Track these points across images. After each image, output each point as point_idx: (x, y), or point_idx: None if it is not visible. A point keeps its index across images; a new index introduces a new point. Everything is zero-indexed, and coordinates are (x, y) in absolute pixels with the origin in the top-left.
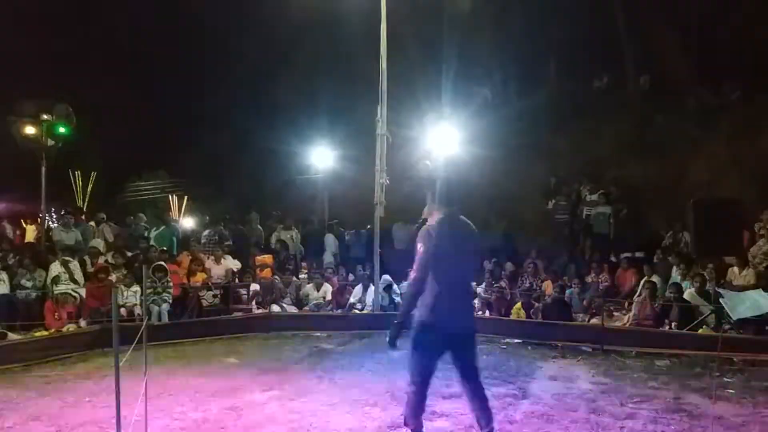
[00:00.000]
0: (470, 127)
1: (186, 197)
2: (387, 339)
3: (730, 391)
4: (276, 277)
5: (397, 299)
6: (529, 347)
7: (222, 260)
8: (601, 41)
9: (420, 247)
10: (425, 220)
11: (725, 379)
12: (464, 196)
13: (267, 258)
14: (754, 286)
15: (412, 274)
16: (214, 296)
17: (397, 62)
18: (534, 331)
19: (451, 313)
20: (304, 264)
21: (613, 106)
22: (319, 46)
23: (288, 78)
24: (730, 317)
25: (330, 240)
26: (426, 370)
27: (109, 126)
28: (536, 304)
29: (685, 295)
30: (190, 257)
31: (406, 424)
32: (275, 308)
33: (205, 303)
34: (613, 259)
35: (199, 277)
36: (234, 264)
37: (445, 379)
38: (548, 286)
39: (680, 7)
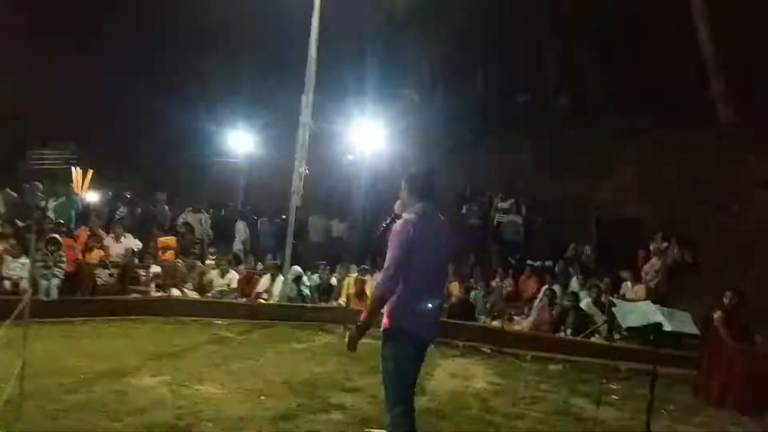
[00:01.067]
0: (395, 125)
1: (92, 171)
2: (347, 342)
3: (615, 396)
4: (179, 260)
5: (306, 291)
6: (432, 345)
7: (122, 238)
8: (527, 58)
9: (394, 243)
10: (397, 216)
11: (611, 386)
12: (438, 191)
13: (170, 240)
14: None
15: (385, 273)
16: (111, 275)
17: (326, 53)
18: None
19: (427, 318)
20: (211, 249)
21: (533, 122)
22: (243, 30)
23: (208, 59)
24: (621, 327)
25: (240, 227)
26: (408, 381)
27: (18, 92)
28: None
29: (582, 305)
30: (88, 232)
31: None
32: (175, 292)
33: (99, 281)
34: (511, 261)
35: (96, 254)
36: (135, 243)
37: (346, 374)
38: (455, 287)
39: (603, 33)
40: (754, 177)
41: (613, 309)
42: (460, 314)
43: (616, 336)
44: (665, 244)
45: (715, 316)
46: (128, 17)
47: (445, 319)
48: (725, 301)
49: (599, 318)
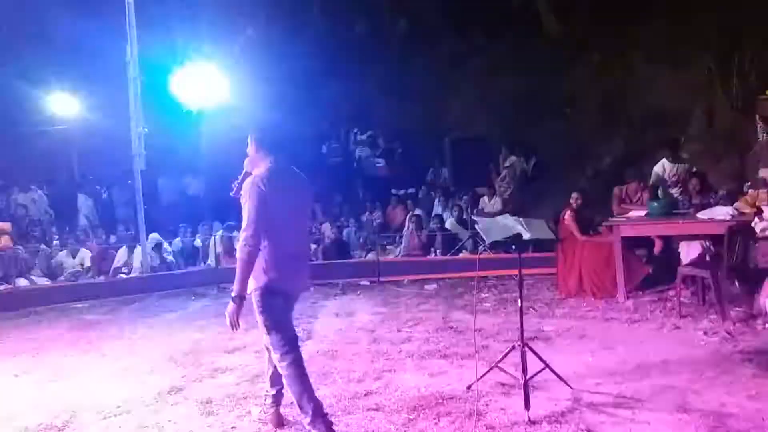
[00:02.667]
0: (234, 70)
1: None
2: (227, 320)
3: (487, 305)
4: (19, 246)
5: (169, 257)
6: (312, 288)
7: None
8: None
9: (248, 202)
10: (248, 173)
11: (482, 295)
12: (289, 142)
13: (3, 225)
14: (502, 212)
15: (245, 233)
16: None
17: None
18: (316, 272)
19: (294, 273)
20: (53, 229)
21: (375, 49)
22: None
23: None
24: (485, 240)
25: (82, 200)
26: (291, 333)
27: None
28: (314, 246)
29: (447, 225)
30: None
31: (302, 408)
32: (22, 282)
33: None
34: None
35: None
36: None
37: (227, 333)
38: (327, 228)
39: None
40: (584, 83)
41: (476, 227)
42: (336, 253)
43: (481, 249)
44: (513, 157)
45: (566, 216)
46: None
47: (321, 261)
48: (572, 201)
49: (464, 235)
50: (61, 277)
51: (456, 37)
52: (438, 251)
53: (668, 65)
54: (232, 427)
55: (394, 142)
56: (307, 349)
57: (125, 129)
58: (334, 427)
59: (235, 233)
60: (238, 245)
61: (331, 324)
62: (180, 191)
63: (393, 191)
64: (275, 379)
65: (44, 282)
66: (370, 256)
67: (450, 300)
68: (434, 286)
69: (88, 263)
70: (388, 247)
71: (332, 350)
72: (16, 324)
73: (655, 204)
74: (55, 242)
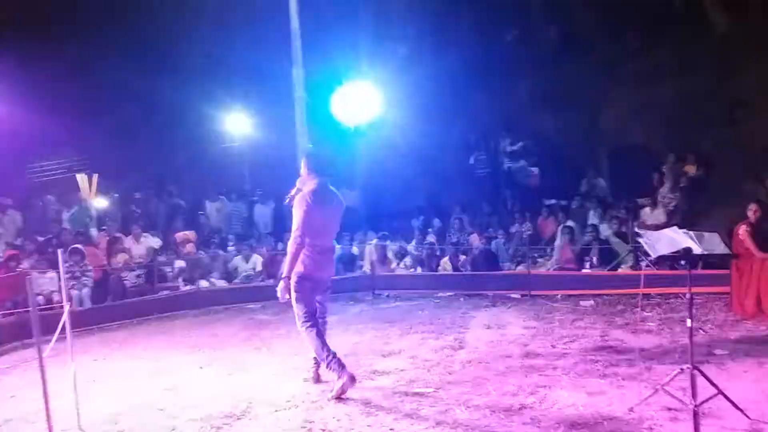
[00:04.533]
0: (390, 87)
1: (96, 175)
2: (278, 292)
3: (651, 324)
4: (201, 251)
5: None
6: (462, 299)
7: (141, 239)
8: None
9: (298, 210)
10: (299, 189)
11: (645, 314)
12: (333, 169)
13: (189, 233)
14: (665, 224)
15: (295, 233)
16: (138, 276)
17: (310, 20)
18: (465, 283)
19: (325, 264)
20: (230, 236)
21: (525, 59)
22: (228, 6)
23: (196, 41)
24: (650, 255)
25: (258, 210)
26: (312, 308)
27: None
28: (463, 257)
29: (603, 237)
30: (107, 237)
31: (319, 356)
32: (204, 284)
33: (128, 284)
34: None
35: (120, 258)
36: (154, 242)
37: (383, 337)
38: (475, 239)
39: None
40: (758, 85)
41: (639, 240)
42: (485, 265)
43: (644, 264)
44: (678, 165)
45: (741, 230)
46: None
47: (469, 272)
48: (749, 213)
49: (622, 248)
50: (236, 280)
51: (611, 41)
52: (592, 264)
53: None
54: (390, 429)
55: (545, 152)
56: (458, 358)
57: (291, 144)
58: (347, 368)
59: (388, 243)
60: (290, 242)
61: (483, 335)
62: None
63: (545, 202)
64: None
65: (222, 284)
66: (521, 269)
67: (608, 317)
68: (590, 302)
69: (259, 267)
70: (539, 259)
71: (484, 362)
72: (199, 321)
73: None
74: (230, 248)
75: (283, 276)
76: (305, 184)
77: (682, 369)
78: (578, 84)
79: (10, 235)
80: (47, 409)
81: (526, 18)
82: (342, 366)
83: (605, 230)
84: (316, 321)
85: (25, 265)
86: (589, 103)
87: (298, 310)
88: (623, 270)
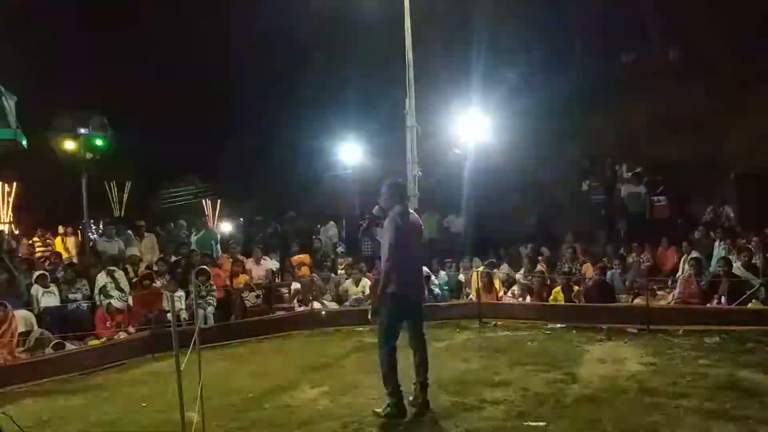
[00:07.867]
0: (498, 113)
1: (219, 200)
2: (370, 313)
3: None
4: (314, 274)
5: (436, 290)
6: (574, 331)
7: (261, 261)
8: (624, 14)
9: (387, 233)
10: (375, 216)
11: None
12: (406, 195)
13: (304, 257)
14: None
15: (385, 257)
16: (257, 296)
17: (422, 50)
18: (577, 314)
19: (412, 287)
20: (341, 260)
21: (643, 82)
22: (342, 41)
23: (312, 74)
24: None
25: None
26: (395, 331)
27: (137, 133)
28: (577, 288)
29: (733, 270)
30: (230, 259)
31: (384, 382)
32: (316, 305)
33: (248, 304)
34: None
35: (241, 279)
36: (273, 264)
37: (492, 367)
38: (588, 269)
39: None
40: None
41: None
42: (599, 296)
43: None
44: None
45: None
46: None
47: (583, 303)
48: None
49: (754, 281)
50: (347, 303)
51: (738, 61)
52: (723, 299)
53: None
54: None
55: (665, 178)
56: (571, 393)
57: (400, 171)
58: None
59: (495, 271)
60: (383, 264)
61: (597, 370)
62: (439, 226)
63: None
64: (419, 370)
65: (333, 306)
66: (638, 301)
67: (737, 356)
68: (716, 338)
69: (368, 291)
70: (658, 292)
71: (599, 397)
72: (310, 342)
73: None
74: (340, 271)
75: (379, 296)
76: (390, 210)
77: None
78: (700, 106)
79: (149, 258)
80: (183, 421)
81: (642, 41)
82: (399, 398)
83: (734, 261)
84: (394, 347)
85: (157, 284)
86: (712, 126)
87: (380, 331)
88: (753, 305)
